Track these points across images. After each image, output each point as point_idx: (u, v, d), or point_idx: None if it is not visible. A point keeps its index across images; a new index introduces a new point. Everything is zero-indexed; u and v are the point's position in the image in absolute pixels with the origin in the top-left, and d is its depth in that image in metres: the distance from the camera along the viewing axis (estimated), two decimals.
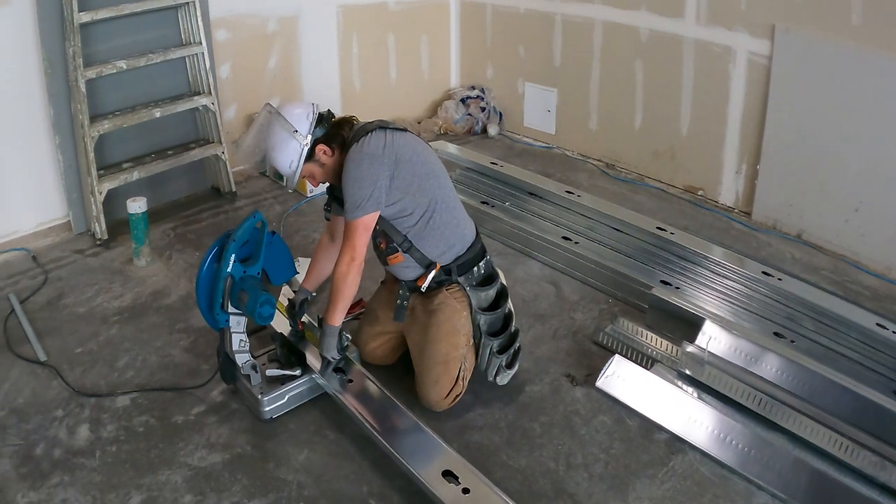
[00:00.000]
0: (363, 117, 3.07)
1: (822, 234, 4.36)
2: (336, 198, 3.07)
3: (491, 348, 3.05)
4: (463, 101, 6.24)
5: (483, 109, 6.21)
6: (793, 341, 3.39)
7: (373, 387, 2.97)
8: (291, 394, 3.01)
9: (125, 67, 4.34)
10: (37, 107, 4.24)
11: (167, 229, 4.61)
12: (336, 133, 2.95)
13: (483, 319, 3.04)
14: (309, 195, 4.97)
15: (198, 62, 4.70)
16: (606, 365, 3.18)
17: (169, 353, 3.44)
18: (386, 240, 2.98)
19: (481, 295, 3.05)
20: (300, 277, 3.27)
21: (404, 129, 2.98)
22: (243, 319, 2.94)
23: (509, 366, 3.12)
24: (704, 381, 3.11)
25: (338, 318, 2.93)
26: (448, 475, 2.52)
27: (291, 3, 5.32)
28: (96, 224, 4.37)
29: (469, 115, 6.20)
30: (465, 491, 2.46)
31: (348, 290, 2.88)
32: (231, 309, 2.88)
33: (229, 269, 2.84)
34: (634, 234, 4.13)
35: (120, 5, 4.24)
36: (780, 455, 2.75)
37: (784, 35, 4.29)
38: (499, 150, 5.79)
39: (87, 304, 3.81)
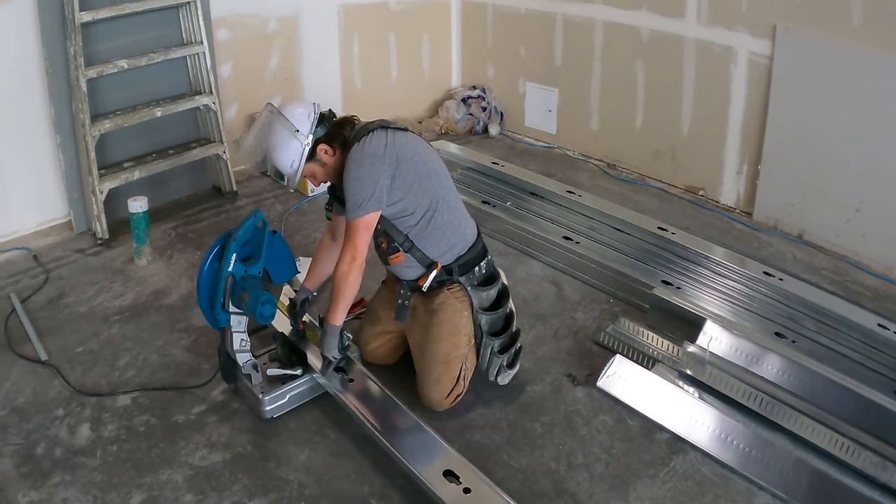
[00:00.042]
0: (364, 117, 3.07)
1: (823, 235, 4.36)
2: (337, 197, 3.07)
3: (492, 348, 3.05)
4: (464, 100, 6.24)
5: (484, 109, 6.21)
6: (794, 341, 3.39)
7: (374, 386, 2.97)
8: (292, 393, 3.01)
9: (126, 67, 4.35)
10: (38, 106, 4.24)
11: (168, 229, 4.61)
12: (337, 133, 2.94)
13: (484, 319, 3.04)
14: (310, 194, 4.96)
15: (199, 62, 4.70)
16: (607, 365, 3.18)
17: (170, 352, 3.44)
18: (387, 239, 2.98)
19: (482, 295, 3.05)
20: (301, 277, 3.27)
21: (405, 129, 2.98)
22: (244, 319, 2.94)
23: (510, 366, 3.12)
24: (705, 381, 3.11)
25: (339, 317, 2.93)
26: (449, 475, 2.52)
27: (292, 3, 5.32)
28: (97, 223, 4.37)
29: (470, 114, 6.20)
30: (466, 491, 2.46)
31: (349, 290, 2.88)
32: (232, 308, 2.88)
33: (230, 269, 2.84)
34: (635, 234, 4.13)
35: (121, 5, 4.24)
36: (781, 455, 2.75)
37: (785, 35, 4.28)
38: (500, 150, 5.79)
39: (88, 303, 3.82)
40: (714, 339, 3.28)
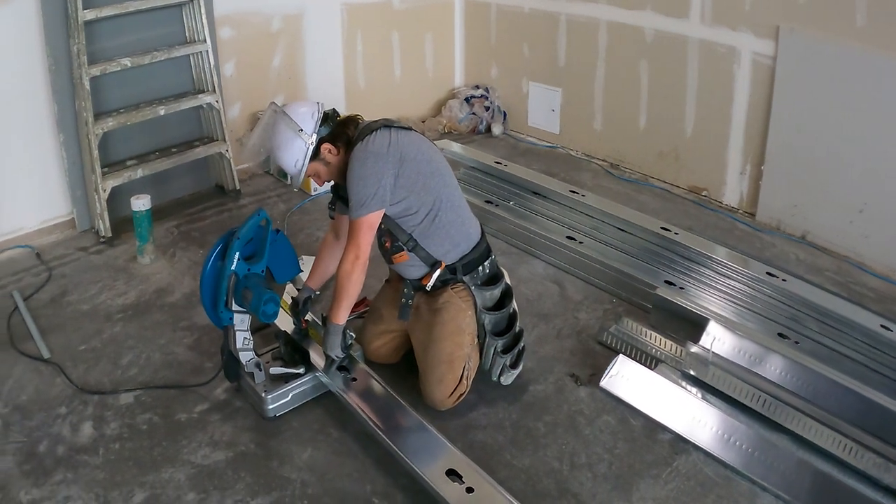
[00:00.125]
0: (367, 116, 3.07)
1: (826, 236, 4.36)
2: (341, 196, 3.07)
3: (495, 348, 3.04)
4: (467, 100, 6.23)
5: (487, 108, 6.20)
6: (797, 342, 3.38)
7: (377, 385, 2.97)
8: (295, 392, 3.01)
9: (129, 65, 4.34)
10: (41, 104, 4.24)
11: (171, 227, 4.61)
12: (341, 132, 2.94)
13: (488, 319, 3.04)
14: (313, 193, 4.96)
15: (202, 60, 4.70)
16: (610, 365, 3.18)
17: (172, 350, 3.44)
18: (391, 238, 2.98)
19: (486, 294, 3.05)
20: (304, 275, 3.27)
21: (409, 128, 2.98)
22: (247, 317, 2.94)
23: (513, 366, 3.12)
24: (708, 382, 3.11)
25: (342, 316, 2.93)
26: (452, 474, 2.52)
27: (296, 1, 5.31)
28: (100, 221, 4.37)
29: (473, 114, 6.20)
30: (469, 490, 2.47)
31: (352, 289, 2.88)
32: (235, 307, 2.88)
33: (233, 267, 2.84)
34: (638, 234, 4.13)
35: (124, 3, 4.24)
36: (783, 456, 2.75)
37: (788, 36, 4.28)
38: (503, 150, 5.79)
39: (91, 301, 3.82)
40: (717, 339, 3.28)
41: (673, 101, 5.02)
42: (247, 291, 2.84)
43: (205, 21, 4.59)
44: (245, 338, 2.96)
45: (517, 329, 3.15)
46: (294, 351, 3.17)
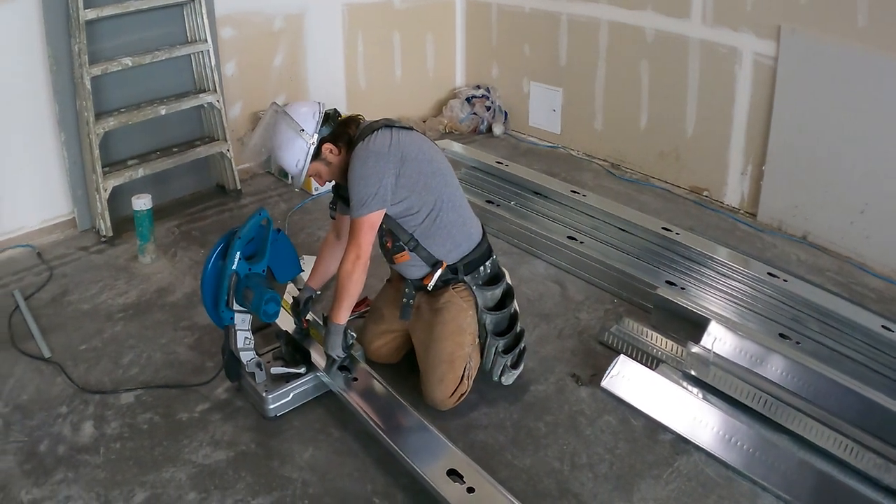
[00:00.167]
0: (368, 116, 3.07)
1: (827, 236, 4.35)
2: (342, 196, 3.07)
3: (496, 348, 3.04)
4: (468, 100, 6.23)
5: (488, 108, 6.20)
6: (798, 343, 3.38)
7: (378, 385, 2.97)
8: (296, 392, 3.01)
9: (130, 64, 4.34)
10: (42, 104, 4.24)
11: (172, 227, 4.61)
12: (342, 132, 2.94)
13: (489, 319, 3.04)
14: (314, 193, 4.96)
15: (203, 59, 4.70)
16: (611, 365, 3.18)
17: (173, 350, 3.44)
18: (392, 238, 2.97)
19: (487, 294, 3.05)
20: (305, 275, 3.27)
21: (410, 128, 2.98)
22: (248, 317, 2.94)
23: (514, 366, 3.12)
24: (709, 382, 3.11)
25: (343, 316, 2.93)
26: (453, 474, 2.52)
27: (297, 1, 5.31)
28: (101, 221, 4.37)
29: (474, 114, 6.20)
30: (470, 490, 2.46)
31: (353, 288, 2.88)
32: (236, 306, 2.88)
33: (234, 267, 2.84)
34: (640, 235, 4.13)
35: (125, 2, 4.24)
36: (784, 457, 2.74)
37: (790, 36, 4.28)
38: (504, 150, 5.79)
39: (92, 300, 3.82)
40: (718, 339, 3.28)
41: (674, 101, 5.02)
42: (248, 291, 2.84)
43: (206, 20, 4.59)
44: (246, 337, 2.96)
45: (518, 329, 3.15)
46: (295, 350, 3.17)
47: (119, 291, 3.90)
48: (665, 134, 5.16)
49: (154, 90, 4.62)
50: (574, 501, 2.62)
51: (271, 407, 2.96)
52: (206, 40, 4.63)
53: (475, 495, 2.45)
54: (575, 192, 4.53)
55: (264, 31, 5.21)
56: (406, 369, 3.22)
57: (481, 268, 3.04)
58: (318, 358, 3.07)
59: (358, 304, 3.49)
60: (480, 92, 6.25)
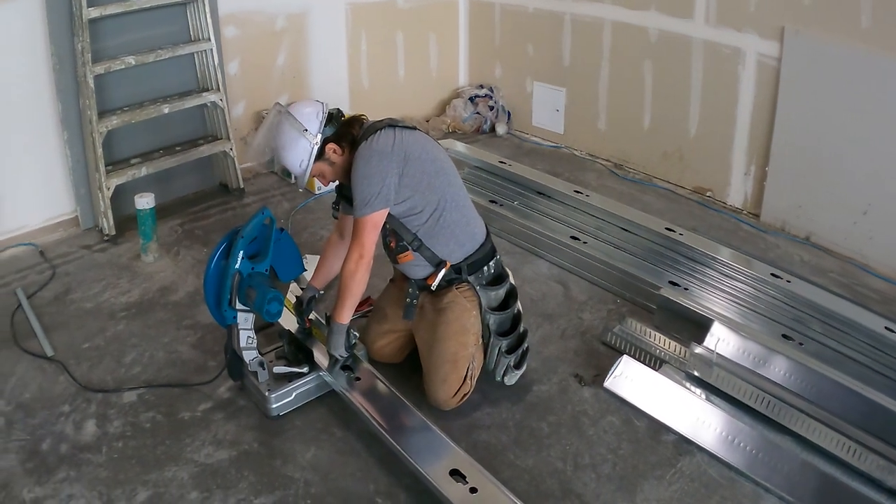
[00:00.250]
0: (371, 115, 3.07)
1: (830, 237, 4.35)
2: (345, 196, 3.07)
3: (499, 348, 3.04)
4: (471, 99, 6.23)
5: (491, 108, 6.20)
6: (801, 344, 3.38)
7: (380, 385, 2.97)
8: (299, 391, 3.01)
9: (134, 63, 4.35)
10: (45, 102, 4.25)
11: (175, 225, 4.61)
12: (346, 131, 2.94)
13: (492, 319, 3.04)
14: (317, 192, 4.96)
15: (206, 58, 4.70)
16: (614, 365, 3.17)
17: (176, 349, 3.44)
18: (396, 238, 2.97)
19: (491, 294, 3.05)
20: (308, 275, 3.27)
21: (414, 128, 2.98)
22: (251, 316, 2.94)
23: (517, 366, 3.12)
24: (712, 383, 3.11)
25: (346, 315, 2.93)
26: (455, 474, 2.52)
27: (300, 1, 5.32)
28: (104, 220, 4.37)
29: (477, 113, 6.19)
30: (473, 490, 2.46)
31: (357, 288, 2.88)
32: (239, 305, 2.88)
33: (237, 266, 2.84)
34: (643, 235, 4.13)
35: (129, 1, 4.25)
36: (787, 458, 2.74)
37: (793, 37, 4.27)
38: (507, 149, 5.78)
39: (95, 299, 3.82)
40: (721, 340, 3.27)
41: (677, 101, 5.02)
42: (250, 290, 2.84)
43: (209, 19, 4.60)
44: (249, 336, 2.95)
45: (521, 329, 3.15)
46: (298, 350, 3.17)
47: (122, 290, 3.90)
48: (668, 134, 5.16)
49: (157, 89, 4.63)
50: (577, 502, 2.61)
51: (274, 406, 2.96)
52: (209, 39, 4.63)
53: (478, 495, 2.45)
54: (578, 192, 4.53)
55: (267, 31, 5.21)
56: (409, 369, 3.22)
57: (485, 268, 3.04)
58: (320, 357, 3.08)
59: (361, 304, 3.48)
60: (484, 91, 6.25)
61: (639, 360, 3.23)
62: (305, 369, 3.05)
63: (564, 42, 5.63)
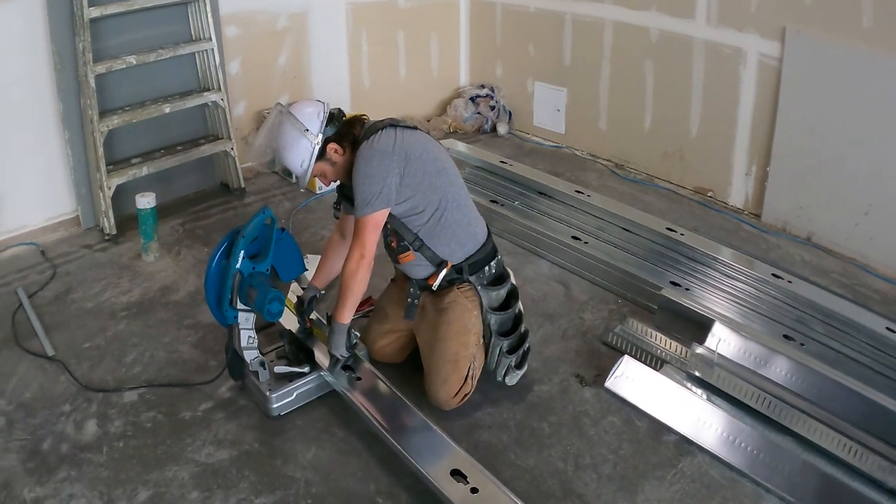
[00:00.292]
0: (372, 115, 3.07)
1: (831, 237, 4.35)
2: (346, 196, 3.07)
3: (501, 348, 3.04)
4: (472, 99, 6.23)
5: (492, 108, 6.20)
6: (802, 344, 3.37)
7: (381, 385, 2.97)
8: (300, 391, 3.01)
9: (135, 63, 4.35)
10: (46, 102, 4.25)
11: (176, 225, 4.61)
12: (347, 131, 2.94)
13: (493, 319, 3.03)
14: (318, 192, 4.96)
15: (207, 58, 4.70)
16: (615, 365, 3.17)
17: (177, 348, 3.44)
18: (397, 238, 2.97)
19: (492, 294, 3.05)
20: (309, 274, 3.26)
21: (415, 127, 2.98)
22: (252, 316, 2.94)
23: (518, 366, 3.12)
24: (713, 383, 3.11)
25: (347, 315, 2.93)
26: (456, 474, 2.52)
27: (301, 0, 5.31)
28: (105, 219, 4.37)
29: (478, 113, 6.19)
30: (474, 490, 2.46)
31: (358, 288, 2.88)
32: (240, 305, 2.88)
33: (238, 266, 2.84)
34: (644, 235, 4.13)
35: (130, 0, 4.24)
36: (788, 458, 2.74)
37: (795, 37, 4.27)
38: (508, 149, 5.78)
39: (95, 299, 3.82)
40: (722, 340, 3.27)
41: (678, 101, 5.02)
42: (251, 290, 2.84)
43: (210, 19, 4.60)
44: (250, 336, 2.95)
45: (522, 329, 3.15)
46: (299, 350, 3.17)
47: (122, 290, 3.90)
48: (669, 134, 5.15)
49: (158, 88, 4.63)
50: (578, 502, 2.61)
51: (275, 406, 2.96)
52: (210, 39, 4.63)
53: (479, 495, 2.45)
54: (579, 192, 4.53)
55: (268, 30, 5.21)
56: (410, 369, 3.22)
57: (486, 268, 3.04)
58: (321, 357, 3.08)
59: (362, 304, 3.48)
60: (485, 91, 6.24)
61: (640, 360, 3.23)
62: (306, 369, 3.05)
63: (565, 42, 5.63)
